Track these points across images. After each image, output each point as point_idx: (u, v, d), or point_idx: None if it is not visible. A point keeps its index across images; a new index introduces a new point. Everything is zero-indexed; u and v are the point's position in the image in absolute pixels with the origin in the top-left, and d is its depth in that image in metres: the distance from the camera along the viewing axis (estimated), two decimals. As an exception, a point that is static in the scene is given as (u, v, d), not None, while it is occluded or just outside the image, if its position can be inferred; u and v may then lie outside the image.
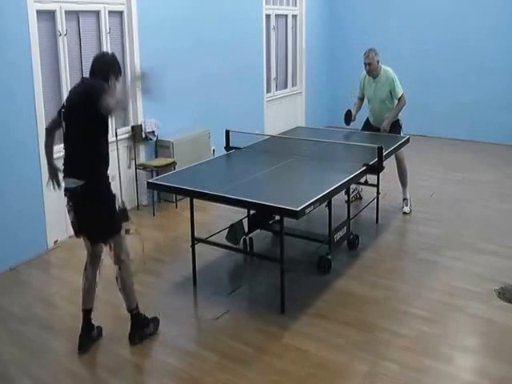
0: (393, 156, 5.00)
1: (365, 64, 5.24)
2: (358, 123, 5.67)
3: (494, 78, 8.06)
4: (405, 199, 5.48)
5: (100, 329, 3.32)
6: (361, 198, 5.76)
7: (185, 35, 6.06)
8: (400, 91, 5.25)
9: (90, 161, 2.91)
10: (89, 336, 3.23)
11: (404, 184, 5.48)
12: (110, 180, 3.14)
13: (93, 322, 3.25)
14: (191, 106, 6.25)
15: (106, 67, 2.97)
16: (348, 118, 5.49)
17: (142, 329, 3.24)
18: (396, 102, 5.32)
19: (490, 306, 3.59)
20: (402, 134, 5.41)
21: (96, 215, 2.95)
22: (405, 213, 5.38)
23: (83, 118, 2.82)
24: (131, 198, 5.55)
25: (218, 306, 3.68)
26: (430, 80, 8.56)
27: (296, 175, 4.16)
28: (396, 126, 5.41)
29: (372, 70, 5.24)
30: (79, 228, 3.06)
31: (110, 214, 3.00)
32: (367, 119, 5.61)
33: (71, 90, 3.10)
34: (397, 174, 5.46)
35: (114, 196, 3.03)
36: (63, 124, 2.99)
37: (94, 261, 3.20)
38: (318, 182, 3.93)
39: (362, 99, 5.59)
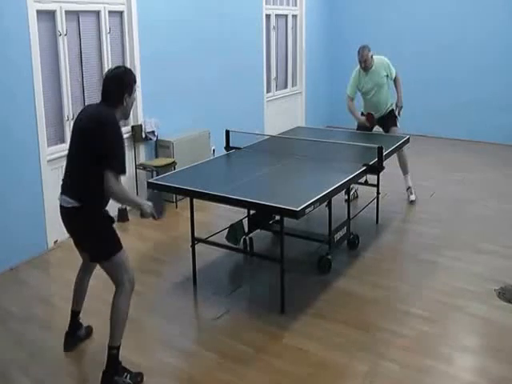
0: (393, 155, 5.01)
1: (360, 62, 5.39)
2: (351, 124, 5.68)
3: (494, 78, 8.06)
4: (408, 188, 5.65)
5: (90, 329, 3.32)
6: (357, 196, 5.77)
7: (185, 35, 6.06)
8: (394, 70, 5.53)
9: (91, 187, 2.78)
10: (74, 335, 3.22)
11: (405, 171, 5.66)
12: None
13: (81, 321, 3.25)
14: (191, 106, 6.25)
15: (120, 88, 2.82)
16: (370, 119, 5.51)
17: (112, 376, 2.84)
18: (391, 82, 5.55)
19: (490, 306, 3.59)
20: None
21: (86, 236, 2.88)
22: (412, 201, 5.55)
23: (91, 146, 2.70)
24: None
25: (218, 305, 3.68)
26: (429, 80, 8.56)
27: (296, 175, 4.15)
28: (394, 115, 5.62)
29: (367, 65, 5.41)
30: (74, 241, 3.03)
31: (102, 238, 2.88)
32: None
33: (83, 113, 2.92)
34: (398, 164, 5.59)
35: (108, 220, 2.92)
36: (69, 144, 2.89)
37: (86, 267, 3.19)
38: (317, 182, 3.93)
39: (353, 99, 5.62)
